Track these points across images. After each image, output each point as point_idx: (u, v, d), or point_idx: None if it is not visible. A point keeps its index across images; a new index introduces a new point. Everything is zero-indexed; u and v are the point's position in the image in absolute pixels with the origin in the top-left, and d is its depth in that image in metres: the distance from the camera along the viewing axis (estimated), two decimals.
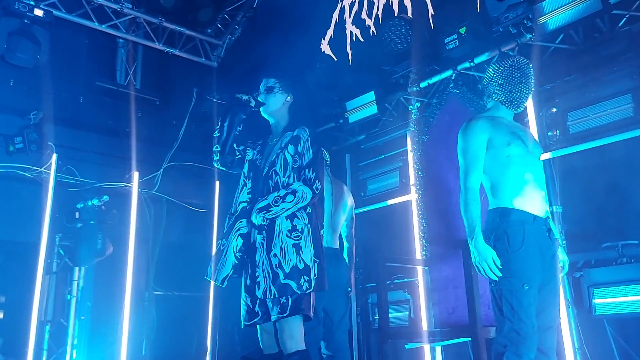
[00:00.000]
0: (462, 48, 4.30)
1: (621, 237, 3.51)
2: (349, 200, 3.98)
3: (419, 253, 4.36)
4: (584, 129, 3.84)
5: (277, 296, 2.48)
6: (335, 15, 4.15)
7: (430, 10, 3.85)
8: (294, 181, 2.64)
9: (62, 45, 5.39)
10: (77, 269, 5.11)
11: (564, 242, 3.60)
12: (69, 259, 5.14)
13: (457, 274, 3.80)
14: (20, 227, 5.01)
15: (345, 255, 3.91)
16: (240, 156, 2.82)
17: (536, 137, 3.72)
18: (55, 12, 5.29)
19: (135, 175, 5.44)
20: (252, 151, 2.83)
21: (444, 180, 4.22)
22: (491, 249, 2.46)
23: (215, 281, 2.61)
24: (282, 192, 2.60)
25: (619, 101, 3.69)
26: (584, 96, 3.87)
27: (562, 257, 2.69)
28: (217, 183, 6.09)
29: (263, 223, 2.58)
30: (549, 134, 3.97)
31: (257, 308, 2.57)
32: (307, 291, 2.49)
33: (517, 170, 2.57)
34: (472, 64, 4.33)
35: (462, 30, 4.26)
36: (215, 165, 2.84)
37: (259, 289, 2.52)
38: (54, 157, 5.10)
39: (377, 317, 4.77)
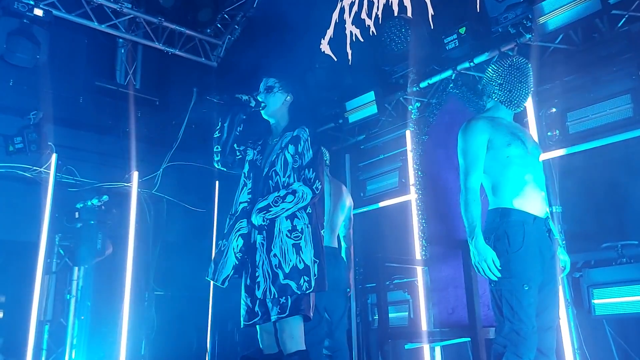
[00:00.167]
0: (462, 48, 4.31)
1: (621, 237, 3.52)
2: (348, 201, 3.98)
3: (418, 253, 4.36)
4: (584, 129, 3.85)
5: (276, 296, 2.48)
6: (335, 15, 4.14)
7: (430, 11, 3.85)
8: (294, 181, 2.64)
9: (62, 45, 5.39)
10: (76, 268, 5.11)
11: (564, 242, 3.61)
12: (69, 258, 5.14)
13: (456, 274, 3.80)
14: (20, 227, 5.02)
15: (343, 255, 3.91)
16: (240, 156, 2.82)
17: (536, 137, 3.73)
18: (55, 12, 5.29)
19: (135, 175, 5.44)
20: (253, 151, 2.83)
21: (443, 180, 4.23)
22: (491, 249, 2.46)
23: (215, 282, 2.61)
24: (282, 192, 2.60)
25: (618, 101, 3.70)
26: (583, 96, 3.87)
27: (563, 257, 2.69)
28: (217, 183, 6.09)
29: (263, 223, 2.58)
30: (549, 134, 3.97)
31: (257, 308, 2.57)
32: (307, 291, 2.49)
33: (517, 171, 2.57)
34: (471, 64, 4.33)
35: (462, 31, 4.27)
36: (216, 165, 2.84)
37: (258, 289, 2.52)
38: (54, 157, 5.10)
39: (376, 317, 4.78)
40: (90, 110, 5.56)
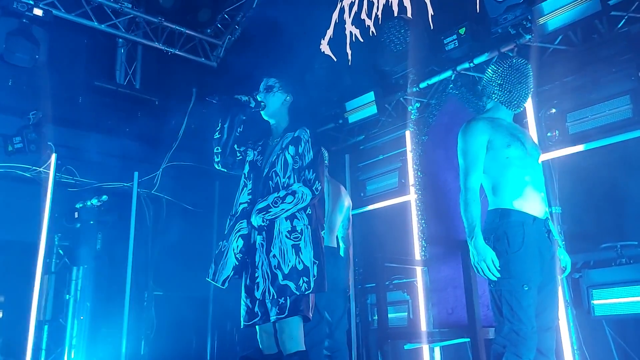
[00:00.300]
0: (462, 49, 4.31)
1: (620, 238, 3.52)
2: (346, 201, 3.98)
3: (418, 253, 4.36)
4: (583, 129, 3.85)
5: (276, 297, 2.48)
6: (335, 16, 4.14)
7: (430, 11, 3.84)
8: (294, 182, 2.64)
9: (61, 45, 5.39)
10: (75, 268, 5.11)
11: (563, 242, 3.61)
12: (68, 258, 5.14)
13: (456, 274, 3.81)
14: (19, 227, 5.01)
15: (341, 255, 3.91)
16: (241, 157, 2.82)
17: (535, 138, 3.73)
18: (55, 12, 5.28)
19: (135, 175, 5.44)
20: (253, 152, 2.83)
21: (443, 180, 4.23)
22: (490, 249, 2.47)
23: (215, 282, 2.61)
24: (282, 193, 2.60)
25: (617, 102, 3.70)
26: (582, 97, 3.88)
27: (564, 258, 2.70)
28: (217, 183, 6.09)
29: (263, 224, 2.58)
30: (548, 134, 3.97)
31: (256, 309, 2.58)
32: (306, 292, 2.50)
33: (516, 172, 2.58)
34: (471, 64, 4.34)
35: (462, 31, 4.27)
36: (216, 166, 2.84)
37: (258, 290, 2.52)
38: (53, 157, 5.09)
39: (376, 317, 4.77)
40: (90, 110, 5.55)
